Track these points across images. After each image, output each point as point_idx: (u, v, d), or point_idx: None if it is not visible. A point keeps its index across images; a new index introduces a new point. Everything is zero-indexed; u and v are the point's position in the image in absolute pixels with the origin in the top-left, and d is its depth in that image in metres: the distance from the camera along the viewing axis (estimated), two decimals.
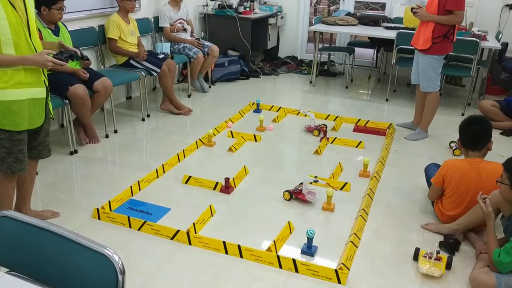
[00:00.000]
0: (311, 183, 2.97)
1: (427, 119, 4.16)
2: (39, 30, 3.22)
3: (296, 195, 2.98)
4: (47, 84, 2.36)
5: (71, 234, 1.11)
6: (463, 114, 4.84)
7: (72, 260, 1.11)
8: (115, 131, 4.02)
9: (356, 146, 3.92)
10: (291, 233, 2.66)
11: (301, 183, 3.01)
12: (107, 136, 3.91)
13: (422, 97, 4.17)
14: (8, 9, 2.08)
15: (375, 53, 6.52)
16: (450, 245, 2.53)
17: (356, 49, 6.22)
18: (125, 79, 4.22)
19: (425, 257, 2.37)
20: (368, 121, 4.46)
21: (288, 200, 2.99)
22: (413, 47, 4.09)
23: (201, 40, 5.24)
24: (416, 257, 2.44)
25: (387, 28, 5.52)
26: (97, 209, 2.72)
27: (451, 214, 2.70)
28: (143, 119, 4.36)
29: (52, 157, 3.39)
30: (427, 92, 4.06)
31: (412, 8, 3.91)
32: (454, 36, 3.85)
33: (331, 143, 3.97)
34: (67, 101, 3.40)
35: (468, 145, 2.79)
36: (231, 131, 4.07)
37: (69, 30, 3.64)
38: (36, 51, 2.23)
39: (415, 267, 2.39)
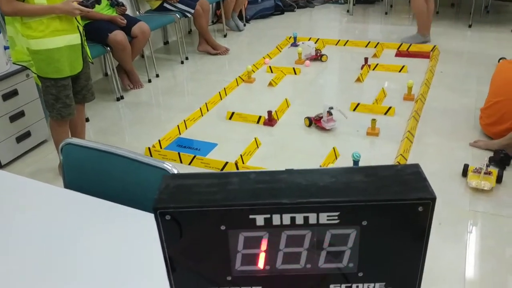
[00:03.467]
0: (331, 108, 2.94)
1: (418, 21, 4.30)
2: None
3: (315, 121, 3.01)
4: (81, 30, 2.42)
5: (131, 153, 1.19)
6: None
7: (134, 177, 1.19)
8: (157, 76, 4.09)
9: (399, 71, 3.82)
10: (336, 158, 2.69)
11: (330, 109, 2.98)
12: (149, 81, 4.00)
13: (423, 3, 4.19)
14: None
15: None
16: (500, 159, 2.49)
17: None
18: (161, 22, 4.23)
19: (475, 172, 2.36)
20: (410, 45, 4.30)
21: (308, 126, 3.03)
22: None
23: None
24: (465, 173, 2.42)
25: None
26: (149, 148, 2.84)
27: (485, 123, 2.73)
28: (182, 62, 4.41)
29: (100, 104, 3.55)
30: None
31: None
32: None
33: (373, 69, 3.89)
34: (108, 48, 3.47)
35: None
36: (269, 67, 4.05)
37: None
38: None
39: (465, 183, 2.39)
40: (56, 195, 1.19)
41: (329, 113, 2.95)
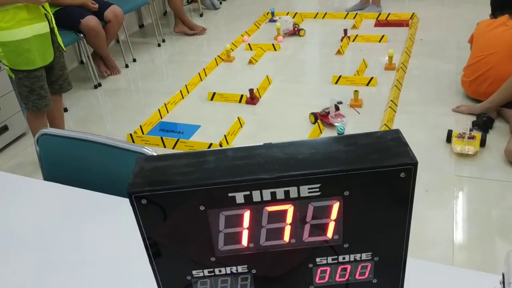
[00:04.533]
0: (339, 103, 2.69)
1: None
2: None
3: (321, 118, 2.73)
4: (49, 18, 2.33)
5: (108, 140, 1.16)
6: None
7: (113, 164, 1.16)
8: (134, 60, 4.01)
9: (379, 41, 3.80)
10: (321, 133, 2.68)
11: (339, 104, 2.71)
12: (126, 66, 3.92)
13: None
14: None
15: None
16: (483, 123, 2.50)
17: None
18: (134, 4, 4.12)
19: (459, 137, 2.37)
20: (389, 14, 4.28)
21: (313, 123, 2.74)
22: None
23: None
24: (449, 139, 2.43)
25: None
26: (130, 134, 2.80)
27: (468, 80, 2.74)
28: (159, 45, 4.32)
29: (78, 92, 3.47)
30: None
31: None
32: None
33: (353, 41, 3.86)
34: (81, 35, 3.38)
35: (499, 8, 2.70)
36: (248, 44, 4.00)
37: None
38: None
39: (449, 149, 2.40)
40: (36, 188, 1.16)
41: (336, 108, 2.69)
